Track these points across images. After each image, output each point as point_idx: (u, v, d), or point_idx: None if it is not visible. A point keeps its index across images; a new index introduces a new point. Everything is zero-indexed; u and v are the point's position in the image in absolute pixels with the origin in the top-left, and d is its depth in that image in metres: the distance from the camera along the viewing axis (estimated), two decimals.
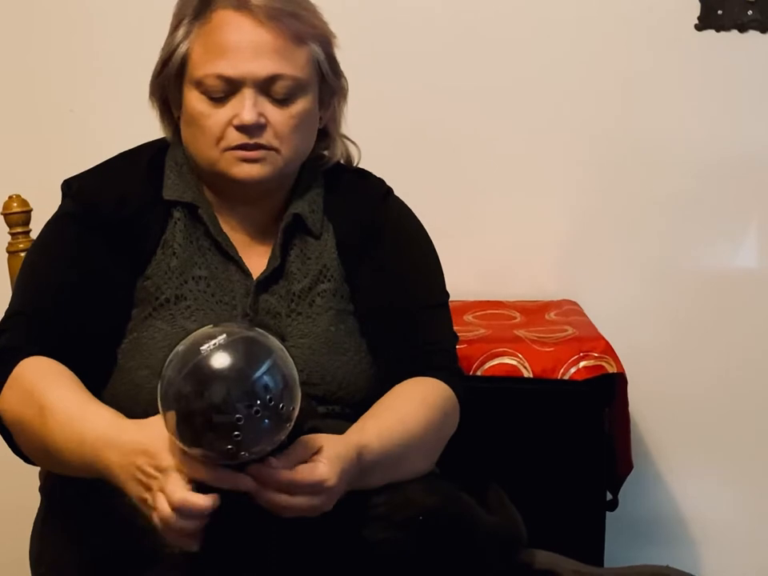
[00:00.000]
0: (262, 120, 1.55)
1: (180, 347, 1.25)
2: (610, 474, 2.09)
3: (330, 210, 1.68)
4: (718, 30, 2.29)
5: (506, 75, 2.34)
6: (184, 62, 1.59)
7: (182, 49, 1.59)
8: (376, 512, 1.42)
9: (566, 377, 1.93)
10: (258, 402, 1.22)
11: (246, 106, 1.54)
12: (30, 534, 1.64)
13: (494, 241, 2.36)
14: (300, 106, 1.58)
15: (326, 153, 1.70)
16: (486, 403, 1.85)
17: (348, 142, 1.73)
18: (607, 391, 1.98)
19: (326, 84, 1.64)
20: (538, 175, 2.37)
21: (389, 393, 1.56)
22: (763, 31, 2.29)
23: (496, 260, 2.35)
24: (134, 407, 1.47)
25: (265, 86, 1.55)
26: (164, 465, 1.28)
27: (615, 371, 1.94)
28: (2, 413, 1.48)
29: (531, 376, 1.93)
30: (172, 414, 1.23)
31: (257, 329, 1.28)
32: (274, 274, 1.61)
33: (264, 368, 1.23)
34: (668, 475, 2.42)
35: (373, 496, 1.43)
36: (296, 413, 1.25)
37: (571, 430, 1.94)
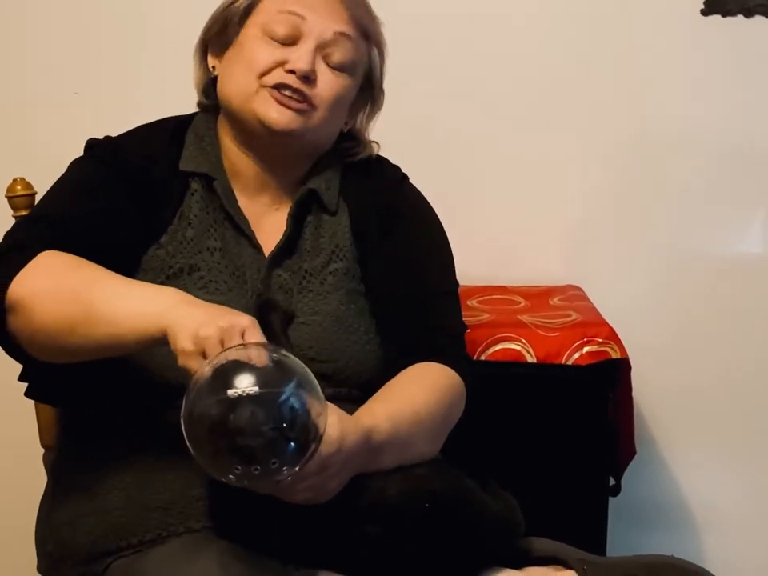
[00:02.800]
0: (314, 75, 1.56)
1: (205, 368, 1.23)
2: (613, 459, 2.09)
3: (345, 191, 1.68)
4: (724, 15, 2.29)
5: (515, 63, 2.34)
6: (249, 7, 1.61)
7: None
8: (386, 500, 1.42)
9: (570, 362, 1.94)
10: (284, 424, 1.20)
11: (304, 55, 1.55)
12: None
13: (498, 226, 2.38)
14: (346, 81, 1.61)
15: (353, 149, 1.71)
16: (490, 388, 1.85)
17: (373, 144, 1.74)
18: (611, 377, 1.98)
19: (369, 90, 1.69)
20: (545, 161, 2.37)
21: (397, 376, 1.57)
22: None
23: (500, 245, 2.37)
24: (146, 374, 1.50)
25: (325, 46, 1.58)
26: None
27: (619, 357, 1.95)
28: (16, 289, 1.42)
29: (535, 361, 1.94)
30: (198, 438, 1.22)
31: (281, 350, 1.27)
32: (287, 247, 1.62)
33: (288, 391, 1.22)
34: (671, 461, 2.43)
35: (382, 484, 1.43)
36: (321, 433, 1.24)
37: (574, 415, 1.95)
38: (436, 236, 1.73)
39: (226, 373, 1.21)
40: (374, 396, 1.52)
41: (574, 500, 1.97)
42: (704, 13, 2.30)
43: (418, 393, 1.54)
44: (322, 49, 1.58)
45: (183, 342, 1.28)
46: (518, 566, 1.55)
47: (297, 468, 1.23)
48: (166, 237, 1.57)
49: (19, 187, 1.85)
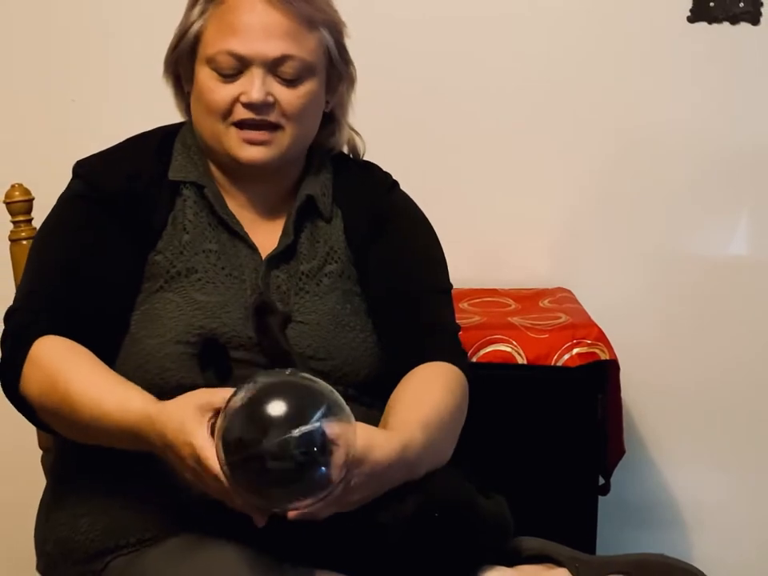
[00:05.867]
0: (270, 99, 1.57)
1: (240, 394, 1.24)
2: (602, 459, 2.10)
3: (338, 197, 1.69)
4: (710, 22, 2.30)
5: (505, 69, 2.35)
6: (197, 39, 1.61)
7: (196, 27, 1.61)
8: (403, 512, 1.43)
9: (560, 363, 1.94)
10: (315, 449, 1.21)
11: (255, 84, 1.56)
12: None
13: (489, 230, 2.38)
14: (307, 87, 1.60)
15: (332, 139, 1.71)
16: (481, 389, 1.85)
17: (354, 135, 1.74)
18: (600, 378, 1.99)
19: (335, 70, 1.66)
20: (534, 165, 2.38)
21: (413, 379, 1.57)
22: (755, 23, 2.30)
23: (491, 248, 2.37)
24: (145, 375, 1.51)
25: (273, 67, 1.57)
26: (205, 455, 1.27)
27: (608, 358, 1.95)
28: (25, 394, 1.48)
29: (525, 362, 1.94)
30: (230, 459, 1.22)
31: (308, 375, 1.27)
32: (285, 251, 1.62)
33: (319, 415, 1.22)
34: (660, 460, 2.44)
35: (399, 495, 1.42)
36: (350, 457, 1.25)
37: (564, 416, 1.95)
38: (428, 238, 1.73)
39: (258, 400, 1.22)
40: (399, 402, 1.52)
41: (564, 499, 1.98)
42: (690, 20, 2.31)
43: (440, 396, 1.54)
44: (271, 69, 1.57)
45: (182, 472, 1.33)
46: (510, 564, 1.56)
47: (328, 491, 1.24)
48: (161, 243, 1.58)
49: (17, 193, 1.85)
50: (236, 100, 1.57)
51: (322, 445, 1.21)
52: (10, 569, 2.16)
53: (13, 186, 1.86)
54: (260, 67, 1.56)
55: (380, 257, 1.67)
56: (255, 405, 1.22)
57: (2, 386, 1.53)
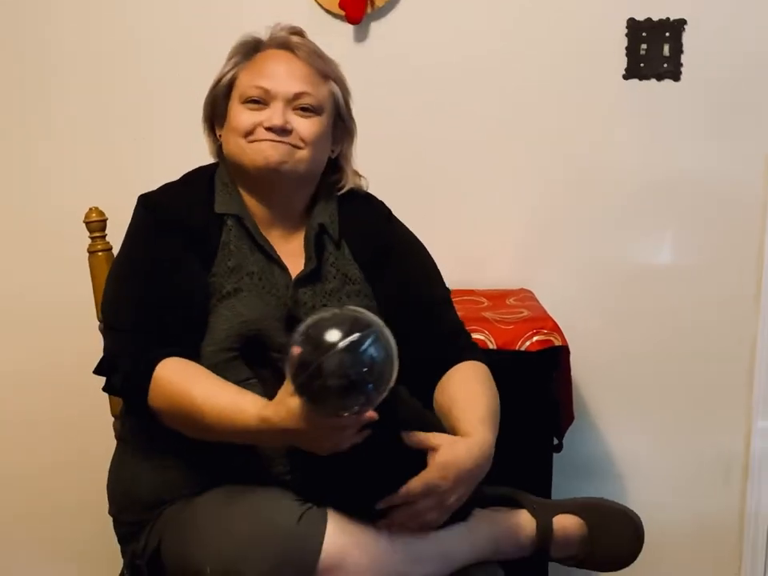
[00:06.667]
0: (288, 126, 1.55)
1: (302, 327, 1.23)
2: (556, 424, 2.09)
3: (342, 228, 1.64)
4: (641, 79, 2.29)
5: (482, 114, 2.32)
6: (231, 85, 1.60)
7: (230, 75, 1.60)
8: None
9: (523, 348, 1.92)
10: (365, 369, 1.19)
11: (276, 113, 1.54)
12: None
13: (468, 242, 2.36)
14: (319, 122, 1.58)
15: (338, 186, 1.67)
16: None
17: (358, 177, 1.70)
18: (554, 359, 1.97)
19: (340, 122, 1.64)
20: (502, 193, 2.35)
21: (453, 382, 1.55)
22: (676, 80, 2.29)
23: (469, 257, 2.35)
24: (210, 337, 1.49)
25: (292, 101, 1.56)
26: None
27: (560, 344, 1.94)
28: (153, 407, 1.44)
29: (495, 348, 1.92)
30: (299, 378, 1.22)
31: (361, 309, 1.25)
32: (311, 274, 1.58)
33: (369, 341, 1.20)
34: (601, 424, 2.43)
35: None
36: (394, 378, 1.23)
37: (526, 390, 1.92)
38: (424, 256, 1.71)
39: (321, 329, 1.20)
40: (455, 405, 1.50)
41: (526, 456, 1.96)
42: (625, 77, 2.29)
43: (484, 392, 1.53)
44: (289, 103, 1.56)
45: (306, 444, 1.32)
46: (483, 507, 1.57)
47: (373, 405, 1.22)
48: (215, 266, 1.54)
49: (93, 214, 1.87)
50: (259, 124, 1.55)
51: (371, 364, 1.20)
52: (89, 510, 2.17)
53: (90, 209, 1.87)
54: (281, 101, 1.55)
55: (390, 280, 1.63)
56: (314, 332, 1.21)
57: (129, 402, 1.51)
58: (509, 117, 2.32)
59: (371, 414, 1.25)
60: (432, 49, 2.29)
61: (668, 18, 2.26)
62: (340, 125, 1.65)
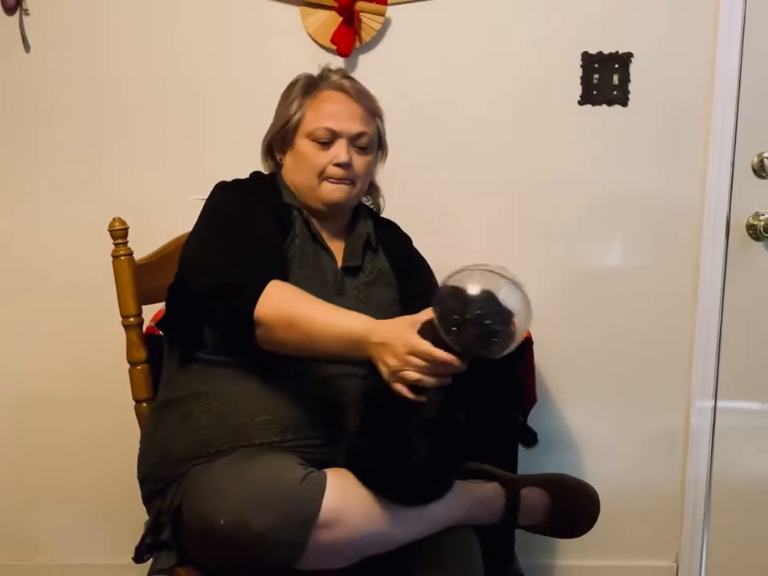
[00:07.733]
0: (351, 160, 1.63)
1: (447, 282, 1.26)
2: (522, 404, 2.10)
3: (378, 237, 1.75)
4: (594, 105, 2.29)
5: (455, 135, 2.30)
6: (298, 123, 1.65)
7: (297, 115, 1.65)
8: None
9: None
10: (500, 319, 1.22)
11: (343, 151, 1.62)
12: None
13: (444, 248, 2.33)
14: (370, 157, 1.68)
15: (370, 197, 1.78)
16: None
17: (381, 195, 1.81)
18: (521, 349, 1.98)
19: (381, 148, 1.73)
20: (472, 211, 2.34)
21: None
22: (624, 105, 2.29)
23: (443, 260, 2.33)
24: None
25: (354, 140, 1.63)
26: (422, 346, 1.29)
27: (526, 336, 1.95)
28: (259, 316, 1.41)
29: None
30: (441, 321, 1.23)
31: (494, 269, 1.28)
32: (354, 268, 1.68)
33: (500, 296, 1.23)
34: (561, 404, 2.43)
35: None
36: (525, 330, 1.27)
37: (498, 376, 1.94)
38: (429, 269, 1.83)
39: (463, 283, 1.24)
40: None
41: (494, 434, 1.97)
42: (580, 103, 2.29)
43: None
44: (351, 141, 1.63)
45: (390, 360, 1.31)
46: (462, 479, 1.58)
47: (506, 350, 1.26)
48: (286, 244, 1.60)
49: (116, 223, 1.85)
50: (329, 162, 1.62)
51: (506, 316, 1.23)
52: (118, 477, 2.14)
53: (114, 219, 1.85)
54: (345, 139, 1.62)
55: (414, 284, 1.74)
56: (461, 288, 1.23)
57: (236, 310, 1.43)
58: (480, 138, 2.32)
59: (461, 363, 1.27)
60: (413, 78, 2.29)
61: (617, 52, 2.28)
62: (378, 153, 1.74)
